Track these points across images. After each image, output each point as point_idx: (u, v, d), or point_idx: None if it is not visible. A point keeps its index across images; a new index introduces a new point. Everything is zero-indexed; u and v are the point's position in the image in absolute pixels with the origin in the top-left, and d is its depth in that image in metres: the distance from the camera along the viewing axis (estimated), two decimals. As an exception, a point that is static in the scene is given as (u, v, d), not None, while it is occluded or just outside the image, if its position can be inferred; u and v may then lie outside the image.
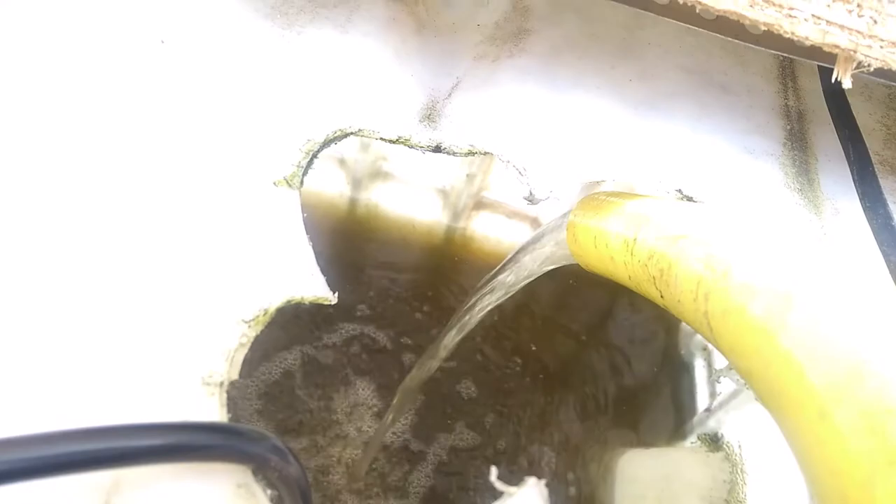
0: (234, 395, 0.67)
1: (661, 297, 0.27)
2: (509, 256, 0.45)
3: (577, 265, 0.37)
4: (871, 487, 0.16)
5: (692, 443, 0.53)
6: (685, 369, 0.64)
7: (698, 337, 0.63)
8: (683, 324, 0.64)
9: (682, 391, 0.62)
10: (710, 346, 0.63)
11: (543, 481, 0.35)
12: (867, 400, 0.17)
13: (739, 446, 0.47)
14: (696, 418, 0.57)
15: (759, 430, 0.47)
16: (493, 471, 0.33)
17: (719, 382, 0.56)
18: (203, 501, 0.32)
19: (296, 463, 0.33)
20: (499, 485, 0.34)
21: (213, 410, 0.34)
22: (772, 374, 0.20)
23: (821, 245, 0.51)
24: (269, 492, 0.33)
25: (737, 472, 0.45)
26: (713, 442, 0.50)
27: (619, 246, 0.30)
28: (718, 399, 0.56)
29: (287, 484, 0.33)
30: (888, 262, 0.46)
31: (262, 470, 0.33)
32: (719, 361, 0.61)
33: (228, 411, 0.35)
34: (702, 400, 0.59)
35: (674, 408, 0.63)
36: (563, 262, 0.39)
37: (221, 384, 0.35)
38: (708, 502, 0.45)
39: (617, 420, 0.72)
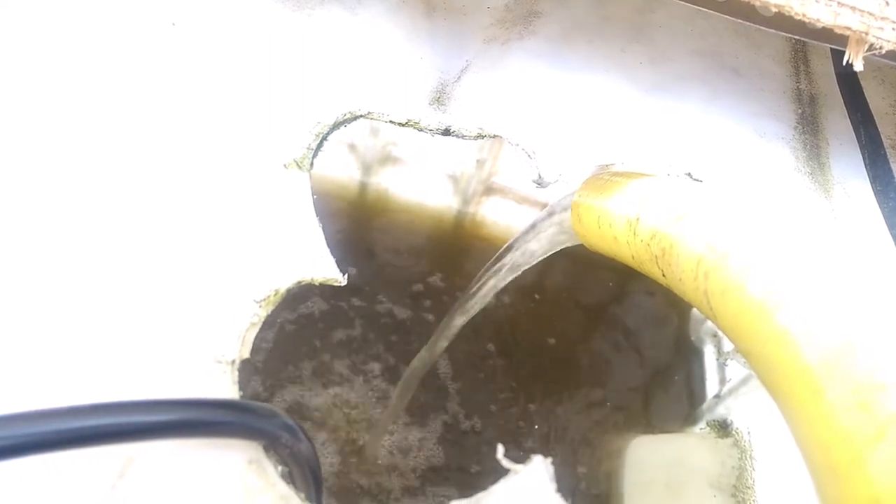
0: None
1: (664, 276, 0.27)
2: (513, 239, 0.45)
3: (581, 246, 0.37)
4: (860, 461, 0.16)
5: (701, 429, 0.54)
6: (696, 355, 0.64)
7: (709, 323, 0.63)
8: (694, 310, 0.64)
9: (692, 377, 0.62)
10: (720, 332, 0.63)
11: (550, 459, 0.35)
12: (858, 376, 0.17)
13: (748, 432, 0.47)
14: (705, 404, 0.57)
15: (768, 417, 0.47)
16: (500, 449, 0.34)
17: (726, 365, 0.56)
18: (215, 476, 0.32)
19: (306, 440, 0.34)
20: (506, 462, 0.34)
21: (226, 387, 0.35)
22: (769, 352, 0.20)
23: (822, 225, 0.51)
24: (279, 468, 0.34)
25: (745, 458, 0.45)
26: (722, 428, 0.50)
27: (622, 226, 0.30)
28: (728, 385, 0.56)
29: (297, 461, 0.34)
30: (898, 245, 0.45)
31: (273, 446, 0.33)
32: (728, 346, 0.61)
33: (240, 388, 0.35)
34: (711, 386, 0.60)
35: (684, 394, 0.63)
36: (568, 244, 0.39)
37: (233, 362, 0.36)
38: (716, 488, 0.45)
39: (628, 405, 0.72)
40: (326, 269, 0.41)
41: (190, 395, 0.34)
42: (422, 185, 0.71)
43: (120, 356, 0.35)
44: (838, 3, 0.39)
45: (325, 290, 0.75)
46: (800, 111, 0.58)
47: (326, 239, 0.42)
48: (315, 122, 0.47)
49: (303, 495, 0.34)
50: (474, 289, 0.50)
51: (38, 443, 0.26)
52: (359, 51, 0.51)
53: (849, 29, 0.40)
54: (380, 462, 0.71)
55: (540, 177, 0.50)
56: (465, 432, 0.75)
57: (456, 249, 0.75)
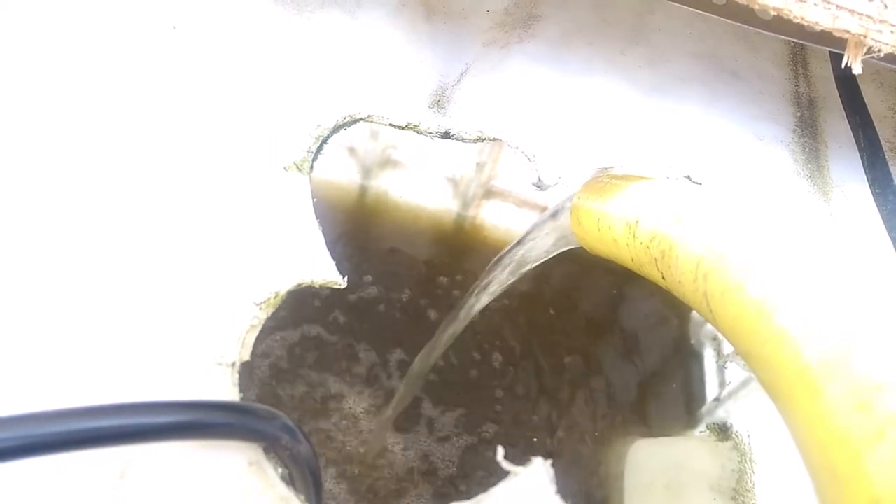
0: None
1: (663, 278, 0.27)
2: (513, 243, 0.46)
3: (581, 248, 0.37)
4: (859, 462, 0.16)
5: (701, 432, 0.54)
6: (695, 358, 0.64)
7: (708, 326, 0.63)
8: (694, 312, 0.64)
9: (692, 380, 0.62)
10: (719, 335, 0.63)
11: (549, 462, 0.35)
12: (857, 377, 0.17)
13: (748, 435, 0.47)
14: (705, 407, 0.57)
15: (768, 420, 0.47)
16: (500, 451, 0.34)
17: (726, 368, 0.56)
18: (215, 478, 0.32)
19: (306, 442, 0.34)
20: (505, 464, 0.34)
21: (226, 389, 0.35)
22: (768, 353, 0.20)
23: (821, 227, 0.51)
24: (279, 470, 0.34)
25: (745, 462, 0.45)
26: (722, 431, 0.50)
27: (621, 228, 0.30)
28: (727, 388, 0.56)
29: (297, 462, 0.34)
30: (897, 248, 0.46)
31: (273, 448, 0.33)
32: (728, 349, 0.61)
33: (240, 391, 0.35)
34: (711, 389, 0.60)
35: (684, 397, 0.63)
36: (568, 246, 0.39)
37: (233, 364, 0.36)
38: (716, 491, 0.45)
39: (628, 408, 0.72)
40: (326, 272, 0.41)
41: (190, 397, 0.34)
42: (421, 189, 0.71)
43: (121, 358, 0.35)
44: (837, 6, 0.39)
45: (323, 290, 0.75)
46: (799, 114, 0.58)
47: (326, 241, 0.42)
48: (315, 126, 0.47)
49: (302, 497, 0.34)
50: (474, 291, 0.50)
51: (39, 445, 0.26)
52: (359, 54, 0.51)
53: (847, 32, 0.40)
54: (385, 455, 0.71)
55: (540, 179, 0.50)
56: (460, 433, 0.75)
57: (456, 252, 0.75)
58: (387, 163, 0.70)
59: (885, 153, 0.51)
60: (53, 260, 0.37)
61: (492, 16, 0.57)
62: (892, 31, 0.39)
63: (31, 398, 0.33)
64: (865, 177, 0.50)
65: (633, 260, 0.31)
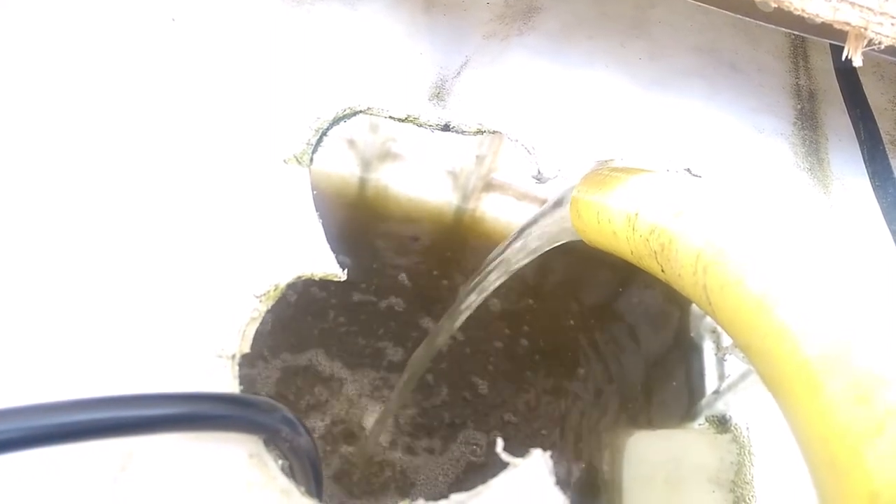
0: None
1: (663, 271, 0.27)
2: (512, 235, 0.46)
3: (581, 241, 0.37)
4: (858, 456, 0.16)
5: (700, 424, 0.54)
6: (695, 351, 0.64)
7: (708, 319, 0.63)
8: (693, 305, 0.64)
9: (691, 373, 0.62)
10: (719, 328, 0.63)
11: (549, 453, 0.35)
12: (857, 371, 0.17)
13: (747, 428, 0.47)
14: (704, 400, 0.58)
15: (767, 412, 0.47)
16: (500, 443, 0.34)
17: (725, 360, 0.56)
18: (216, 470, 0.32)
19: (306, 434, 0.34)
20: (505, 456, 0.34)
21: (227, 382, 0.35)
22: (767, 347, 0.20)
23: (821, 220, 0.51)
24: (280, 462, 0.34)
25: (744, 454, 0.46)
26: (721, 424, 0.50)
27: (621, 221, 0.30)
28: (727, 381, 0.56)
29: (297, 454, 0.34)
30: (897, 241, 0.46)
31: (273, 440, 0.33)
32: (727, 341, 0.61)
33: (241, 382, 0.36)
34: (710, 382, 0.60)
35: (683, 389, 0.63)
36: (567, 239, 0.39)
37: (233, 357, 0.36)
38: (715, 483, 0.45)
39: (626, 401, 0.73)
40: (326, 264, 0.41)
41: (191, 390, 0.34)
42: (421, 181, 0.71)
43: (122, 350, 0.35)
44: (837, -2, 0.39)
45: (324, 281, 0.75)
46: (799, 107, 0.58)
47: (326, 234, 0.42)
48: (314, 118, 0.47)
49: (303, 489, 0.34)
50: (474, 284, 0.50)
51: (39, 436, 0.26)
52: (358, 46, 0.51)
53: (848, 24, 0.40)
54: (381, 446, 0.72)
55: (539, 172, 0.50)
56: (461, 426, 0.76)
57: (456, 245, 0.75)
58: (386, 155, 0.70)
59: (886, 146, 0.51)
60: (53, 254, 0.37)
61: (492, 8, 0.57)
62: (892, 24, 0.39)
63: (33, 390, 0.33)
64: (865, 170, 0.50)
65: (632, 253, 0.31)
